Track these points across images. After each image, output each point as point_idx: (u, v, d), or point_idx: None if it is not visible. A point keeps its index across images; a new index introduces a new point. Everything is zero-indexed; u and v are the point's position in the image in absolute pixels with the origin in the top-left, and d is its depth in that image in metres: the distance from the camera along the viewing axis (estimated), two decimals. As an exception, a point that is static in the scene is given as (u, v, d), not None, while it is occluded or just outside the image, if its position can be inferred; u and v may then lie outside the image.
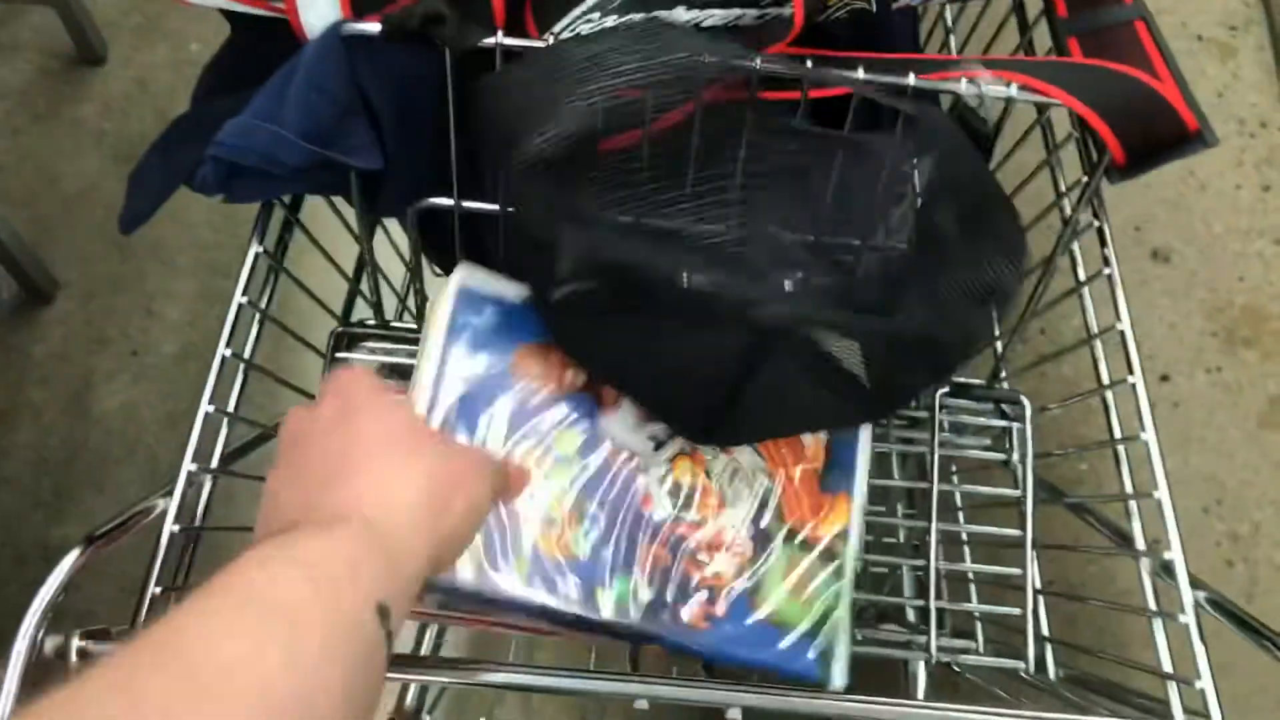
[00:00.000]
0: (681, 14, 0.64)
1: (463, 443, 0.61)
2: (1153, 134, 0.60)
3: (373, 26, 0.60)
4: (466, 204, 0.66)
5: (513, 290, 0.65)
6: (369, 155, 0.63)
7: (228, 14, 0.69)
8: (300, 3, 0.61)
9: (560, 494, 0.62)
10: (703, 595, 0.61)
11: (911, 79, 0.59)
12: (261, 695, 0.35)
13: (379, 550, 0.44)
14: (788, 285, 0.62)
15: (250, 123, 0.61)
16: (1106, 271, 0.65)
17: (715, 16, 0.65)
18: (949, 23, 0.91)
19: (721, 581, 0.62)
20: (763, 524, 0.63)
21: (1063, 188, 0.70)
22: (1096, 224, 0.66)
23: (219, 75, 0.72)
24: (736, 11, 0.65)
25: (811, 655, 0.60)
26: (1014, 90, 0.59)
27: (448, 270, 0.66)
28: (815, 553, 0.62)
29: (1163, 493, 0.59)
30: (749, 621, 0.61)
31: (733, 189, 0.64)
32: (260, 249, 0.67)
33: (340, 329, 0.78)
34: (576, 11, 0.64)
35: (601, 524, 0.62)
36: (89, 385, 1.48)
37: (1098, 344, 0.67)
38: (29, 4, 1.61)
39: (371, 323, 0.79)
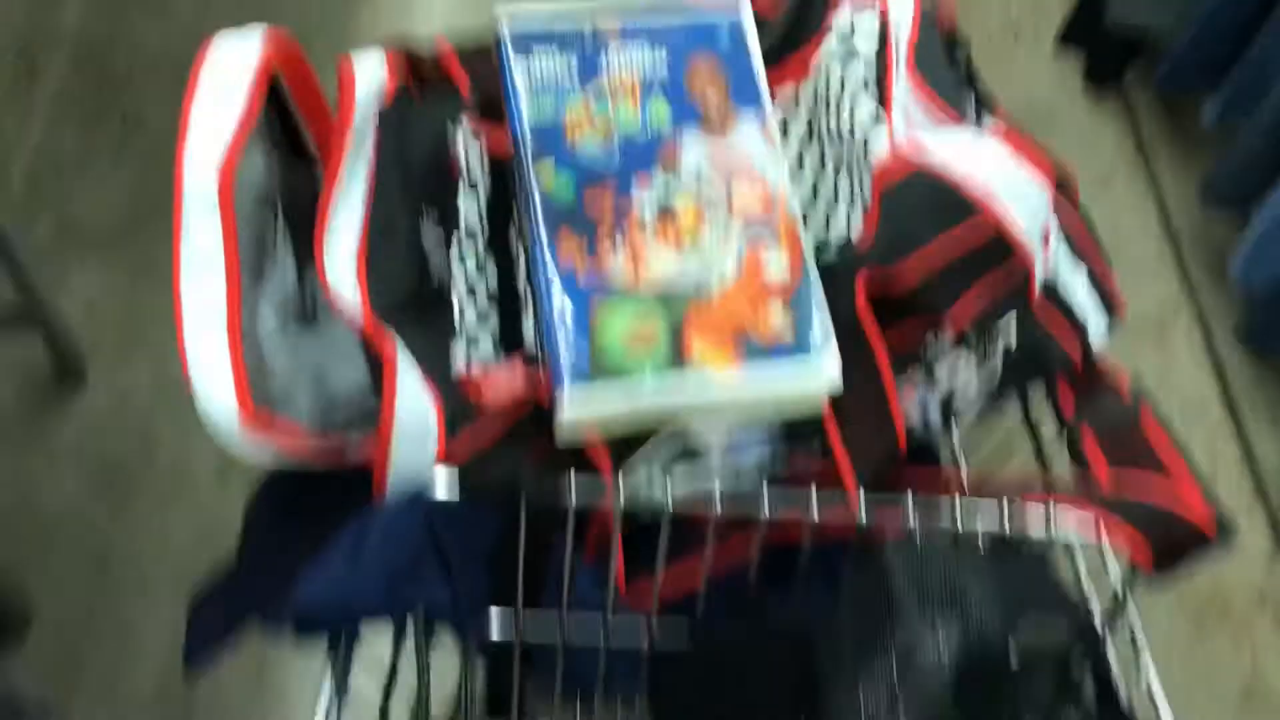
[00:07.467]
0: (715, 458, 0.69)
1: None
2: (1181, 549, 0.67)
3: (453, 494, 0.62)
4: (529, 641, 0.69)
5: None
6: (441, 601, 0.66)
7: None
8: (394, 459, 0.64)
9: None
10: None
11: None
12: None
13: None
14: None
15: (326, 584, 0.63)
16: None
17: (754, 454, 0.70)
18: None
19: None
20: None
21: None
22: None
23: (272, 506, 0.75)
24: (766, 448, 0.71)
25: None
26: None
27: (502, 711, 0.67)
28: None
29: None
30: None
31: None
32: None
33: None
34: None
35: None
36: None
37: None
38: (12, 331, 1.65)
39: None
